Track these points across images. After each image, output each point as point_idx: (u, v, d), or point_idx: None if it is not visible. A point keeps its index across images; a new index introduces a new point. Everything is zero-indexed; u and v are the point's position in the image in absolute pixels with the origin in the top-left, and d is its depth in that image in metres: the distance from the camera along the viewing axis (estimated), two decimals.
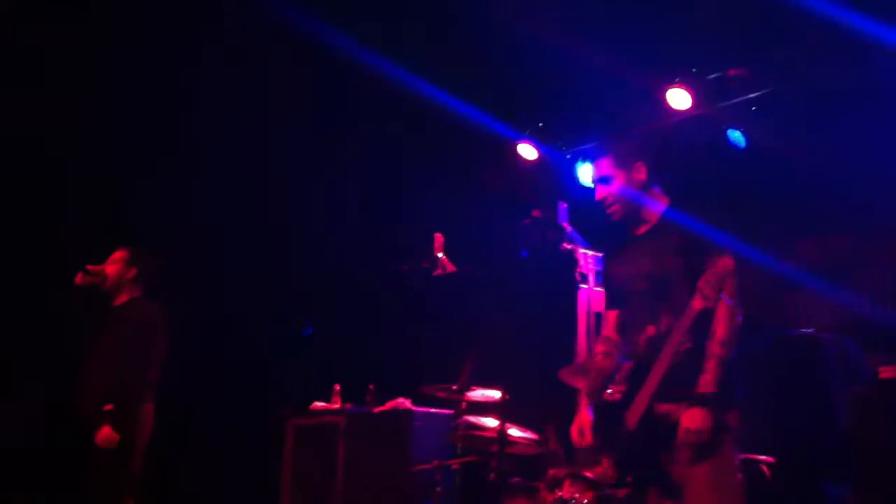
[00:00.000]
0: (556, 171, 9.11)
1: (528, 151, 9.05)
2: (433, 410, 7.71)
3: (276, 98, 8.77)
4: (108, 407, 6.17)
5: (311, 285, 9.47)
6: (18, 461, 7.53)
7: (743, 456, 5.91)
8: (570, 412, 7.59)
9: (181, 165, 8.77)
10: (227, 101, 8.61)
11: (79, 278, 6.50)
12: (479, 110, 8.75)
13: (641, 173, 4.87)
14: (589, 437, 4.83)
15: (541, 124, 8.93)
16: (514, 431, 6.31)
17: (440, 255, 9.36)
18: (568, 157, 9.07)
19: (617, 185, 4.85)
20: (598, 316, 8.10)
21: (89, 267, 6.56)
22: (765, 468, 6.23)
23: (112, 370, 6.33)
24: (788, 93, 7.61)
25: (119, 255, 6.75)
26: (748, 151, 7.98)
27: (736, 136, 8.03)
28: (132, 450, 6.30)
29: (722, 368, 4.41)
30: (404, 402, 7.76)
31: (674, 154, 8.26)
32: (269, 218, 9.32)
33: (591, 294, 8.17)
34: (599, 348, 5.01)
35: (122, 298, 6.70)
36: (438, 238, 9.42)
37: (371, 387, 7.97)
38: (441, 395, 6.98)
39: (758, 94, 7.80)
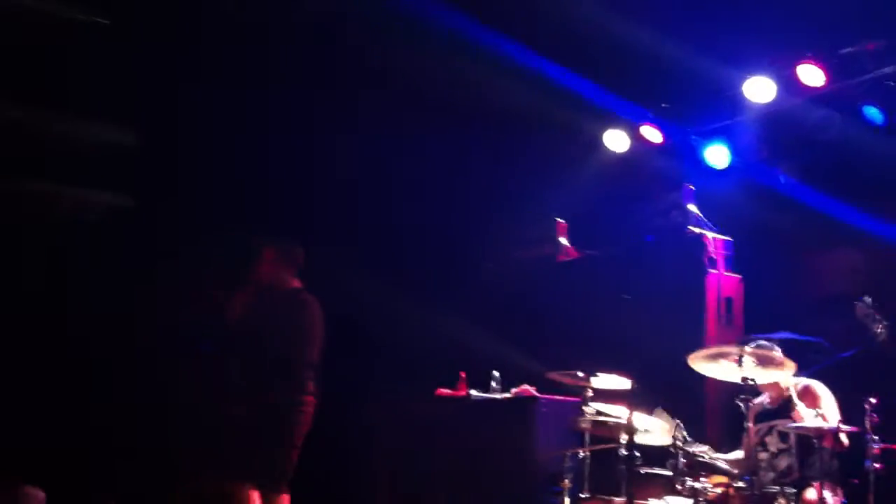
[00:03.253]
0: (682, 153, 8.90)
1: (652, 134, 8.86)
2: (559, 398, 7.63)
3: (397, 91, 8.80)
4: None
5: (436, 274, 9.48)
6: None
7: (884, 446, 5.75)
8: (697, 400, 7.51)
9: (310, 159, 8.90)
10: (347, 99, 8.71)
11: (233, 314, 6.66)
12: (603, 91, 8.61)
13: None
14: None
15: (665, 105, 8.72)
16: (642, 419, 6.19)
17: (563, 240, 9.31)
18: (694, 138, 8.85)
19: None
20: (728, 301, 7.91)
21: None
22: None
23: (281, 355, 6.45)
24: None
25: (270, 254, 6.85)
26: (884, 128, 7.66)
27: (872, 112, 7.71)
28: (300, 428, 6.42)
29: None
30: (529, 390, 7.70)
31: (808, 133, 8.01)
32: (391, 211, 9.36)
33: (721, 279, 7.97)
34: None
35: (281, 290, 6.77)
36: (561, 224, 9.36)
37: (463, 374, 7.91)
38: (567, 381, 6.91)
39: (893, 68, 7.46)
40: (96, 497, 7.50)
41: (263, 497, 6.23)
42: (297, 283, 6.75)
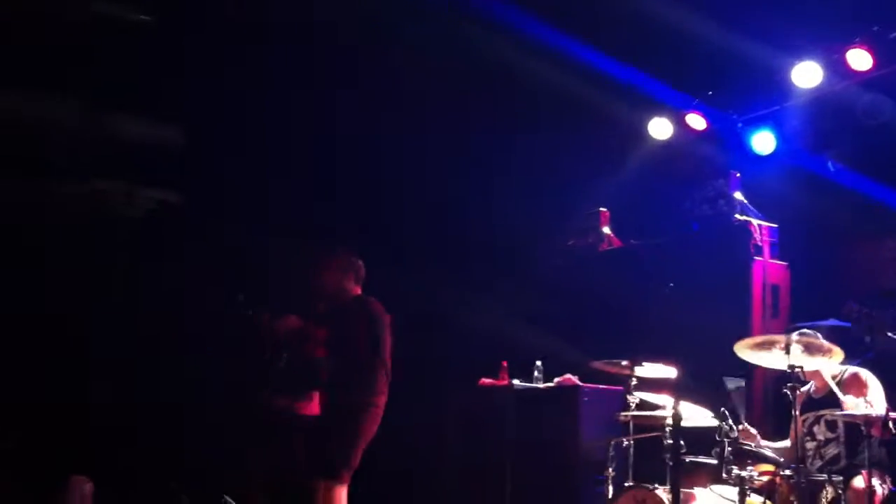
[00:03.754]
0: (726, 141, 8.80)
1: (696, 121, 8.78)
2: (602, 387, 7.59)
3: (442, 81, 8.82)
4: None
5: (480, 264, 9.47)
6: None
7: None
8: (745, 388, 7.42)
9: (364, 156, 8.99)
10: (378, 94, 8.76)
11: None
12: (647, 79, 8.54)
13: None
14: None
15: (710, 92, 8.63)
16: (687, 408, 6.13)
17: (606, 229, 9.25)
18: (739, 125, 8.75)
19: None
20: (774, 289, 7.81)
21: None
22: None
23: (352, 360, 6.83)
24: None
25: (333, 263, 7.13)
26: None
27: None
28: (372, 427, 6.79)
29: None
30: (571, 379, 7.67)
31: (856, 118, 7.89)
32: (436, 202, 9.38)
33: (766, 266, 7.87)
34: None
35: (346, 298, 7.10)
36: (604, 213, 9.30)
37: (504, 363, 7.91)
38: (611, 371, 6.87)
39: None
40: (169, 489, 7.61)
41: (325, 488, 6.62)
42: (358, 291, 7.12)
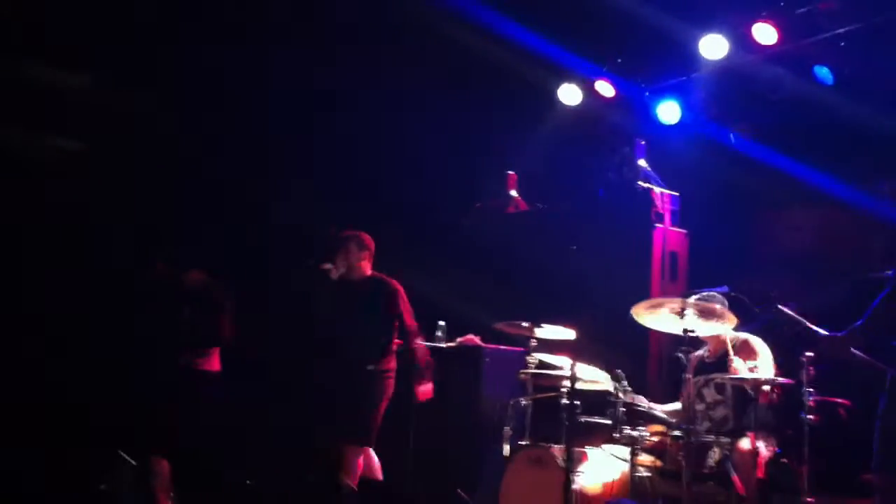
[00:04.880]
0: (634, 109, 8.91)
1: (605, 88, 8.87)
2: (504, 347, 7.68)
3: (339, 39, 8.76)
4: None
5: (384, 223, 9.45)
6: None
7: (819, 398, 5.85)
8: (640, 351, 7.58)
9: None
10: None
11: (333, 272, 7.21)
12: (557, 46, 8.58)
13: None
14: None
15: (619, 60, 8.72)
16: (584, 370, 6.24)
17: (513, 193, 9.31)
18: (647, 94, 8.86)
19: None
20: (673, 256, 7.97)
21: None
22: (841, 411, 6.11)
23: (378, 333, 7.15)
24: (878, 27, 7.31)
25: (348, 242, 7.24)
26: (835, 88, 7.72)
27: (823, 72, 7.76)
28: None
29: None
30: (474, 339, 7.74)
31: (759, 91, 8.05)
32: (337, 163, 9.33)
33: (666, 233, 8.02)
34: None
35: (360, 276, 7.25)
36: (511, 176, 9.36)
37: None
38: (512, 331, 6.95)
39: (846, 28, 7.49)
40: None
41: (352, 452, 6.98)
42: (370, 269, 7.31)
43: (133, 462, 7.11)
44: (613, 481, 6.09)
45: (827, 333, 5.60)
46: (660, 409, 6.36)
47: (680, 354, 5.98)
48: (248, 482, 7.43)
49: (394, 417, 7.47)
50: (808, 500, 5.64)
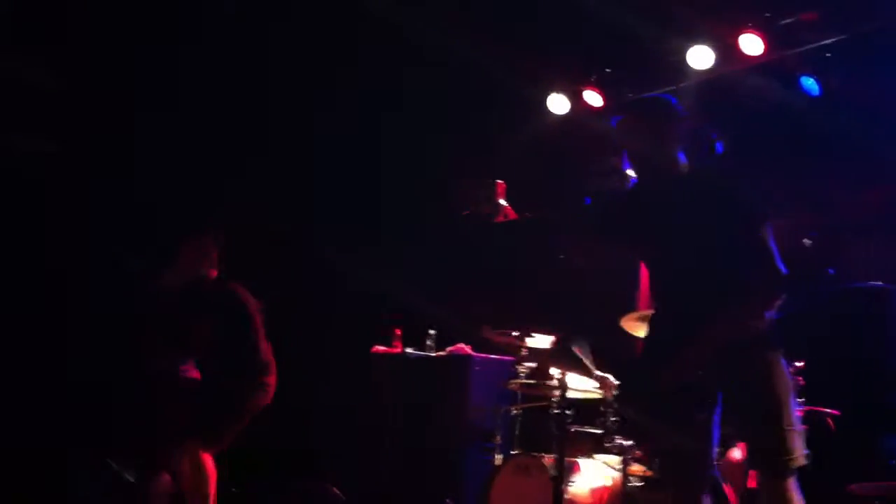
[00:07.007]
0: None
1: (593, 98, 8.92)
2: (493, 356, 7.72)
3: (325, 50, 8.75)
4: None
5: (375, 231, 9.48)
6: None
7: (808, 408, 5.90)
8: (630, 362, 7.59)
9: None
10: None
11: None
12: (547, 56, 8.62)
13: None
14: None
15: (608, 70, 8.77)
16: (574, 378, 6.27)
17: (502, 201, 9.31)
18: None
19: None
20: None
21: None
22: (829, 420, 6.17)
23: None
24: (863, 38, 7.39)
25: (190, 246, 6.85)
26: (821, 99, 7.79)
27: (809, 83, 7.83)
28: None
29: None
30: (464, 348, 7.77)
31: (743, 102, 8.11)
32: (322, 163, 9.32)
33: None
34: None
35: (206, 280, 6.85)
36: (500, 185, 9.35)
37: (398, 331, 8.01)
38: (502, 341, 6.97)
39: (832, 40, 7.57)
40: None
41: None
42: (214, 273, 6.79)
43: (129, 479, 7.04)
44: (604, 491, 6.13)
45: None
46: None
47: None
48: (233, 490, 7.42)
49: (381, 427, 7.52)
50: None
